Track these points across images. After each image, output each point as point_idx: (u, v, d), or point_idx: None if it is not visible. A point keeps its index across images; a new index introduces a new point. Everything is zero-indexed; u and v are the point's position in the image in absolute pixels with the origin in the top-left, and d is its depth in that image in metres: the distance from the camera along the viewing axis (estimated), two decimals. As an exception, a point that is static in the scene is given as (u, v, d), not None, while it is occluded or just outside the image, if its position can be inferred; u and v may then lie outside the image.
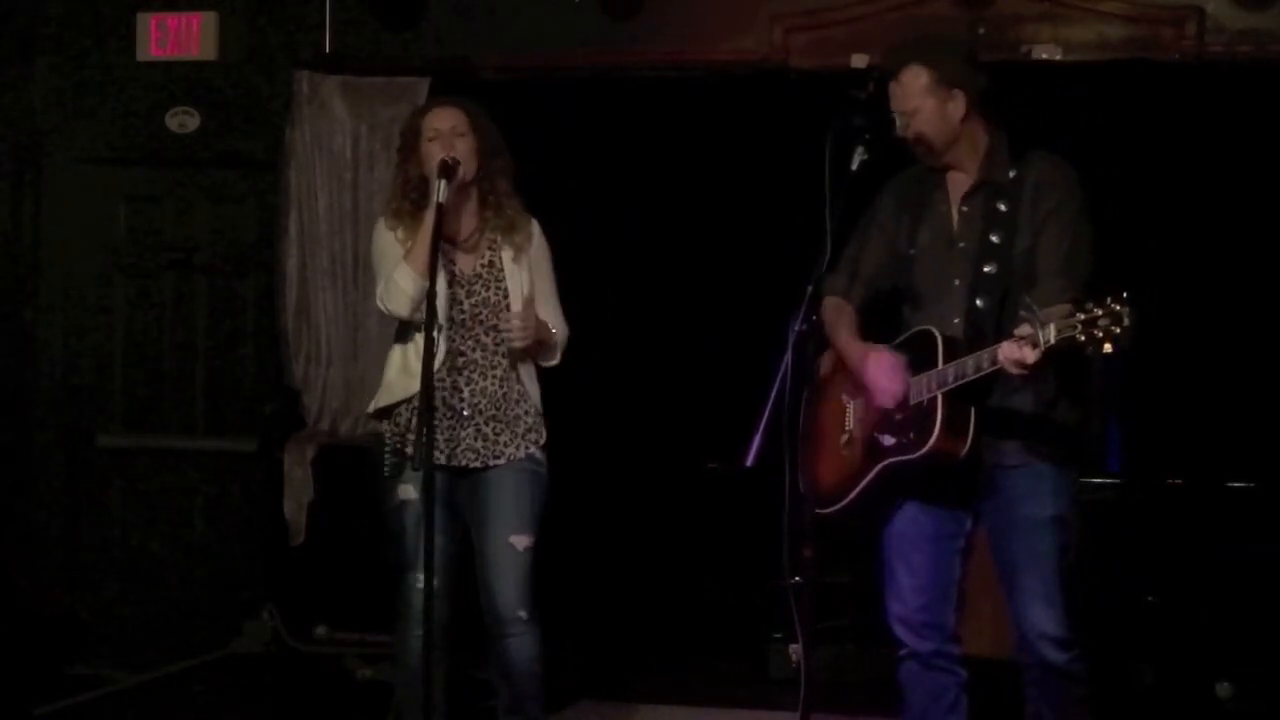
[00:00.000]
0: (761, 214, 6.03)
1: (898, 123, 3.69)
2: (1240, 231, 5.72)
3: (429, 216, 3.97)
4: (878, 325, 3.91)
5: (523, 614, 4.07)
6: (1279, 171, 5.60)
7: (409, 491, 4.05)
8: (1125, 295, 3.20)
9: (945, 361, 3.58)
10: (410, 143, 4.15)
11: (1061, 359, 3.37)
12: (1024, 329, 3.34)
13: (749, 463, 3.53)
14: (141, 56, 6.47)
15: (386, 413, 4.18)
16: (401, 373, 4.13)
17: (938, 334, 3.64)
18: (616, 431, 5.96)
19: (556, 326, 4.19)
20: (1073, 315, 3.26)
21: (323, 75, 6.26)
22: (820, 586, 3.53)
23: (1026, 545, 3.66)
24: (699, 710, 5.43)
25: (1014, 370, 3.39)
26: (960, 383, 3.53)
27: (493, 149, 4.15)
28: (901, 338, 3.80)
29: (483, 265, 4.15)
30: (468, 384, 4.11)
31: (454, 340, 4.10)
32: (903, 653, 3.83)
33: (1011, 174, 3.72)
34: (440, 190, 3.95)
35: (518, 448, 4.13)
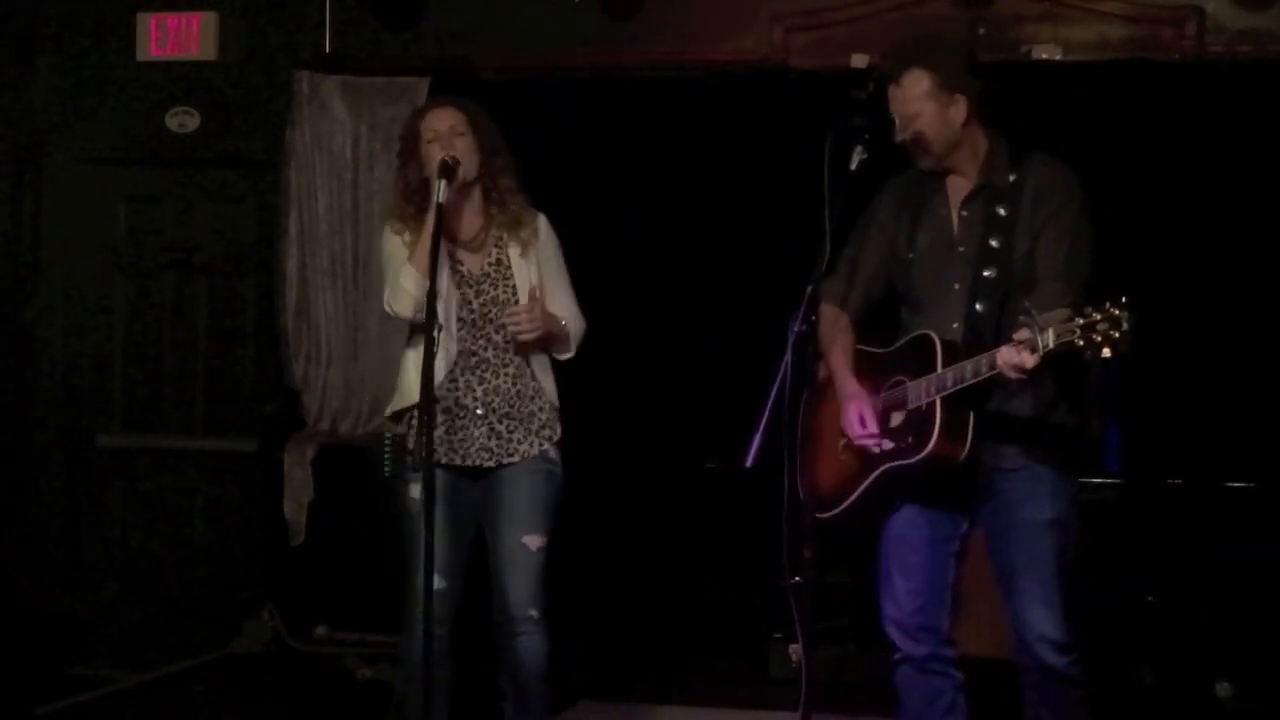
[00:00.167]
0: (761, 214, 6.03)
1: (898, 126, 3.69)
2: (1240, 231, 5.72)
3: (430, 216, 3.97)
4: (876, 328, 3.91)
5: (533, 613, 4.08)
6: (1279, 171, 5.59)
7: (419, 492, 4.05)
8: (1124, 300, 3.19)
9: (944, 366, 3.57)
10: (410, 146, 4.14)
11: (1060, 362, 3.37)
12: (1023, 333, 3.34)
13: (749, 463, 3.53)
14: (141, 56, 6.47)
15: (402, 416, 4.18)
16: (417, 375, 4.12)
17: (936, 338, 3.64)
18: (617, 431, 5.96)
19: (570, 319, 4.17)
20: (1071, 320, 3.25)
21: (323, 75, 6.26)
22: (820, 586, 3.53)
23: (1025, 548, 3.66)
24: (699, 710, 5.43)
25: (1012, 375, 3.38)
26: (959, 387, 3.52)
27: (493, 147, 4.15)
28: (900, 342, 3.80)
29: (490, 264, 4.15)
30: (480, 383, 4.11)
31: (465, 340, 4.11)
32: (897, 657, 3.82)
33: (1011, 178, 3.71)
34: (440, 190, 3.95)
35: (532, 445, 4.13)
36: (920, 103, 3.68)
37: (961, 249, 3.74)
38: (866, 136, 3.58)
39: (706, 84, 6.03)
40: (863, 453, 3.78)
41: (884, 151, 3.65)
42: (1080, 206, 3.69)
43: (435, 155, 4.02)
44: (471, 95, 4.32)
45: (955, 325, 3.68)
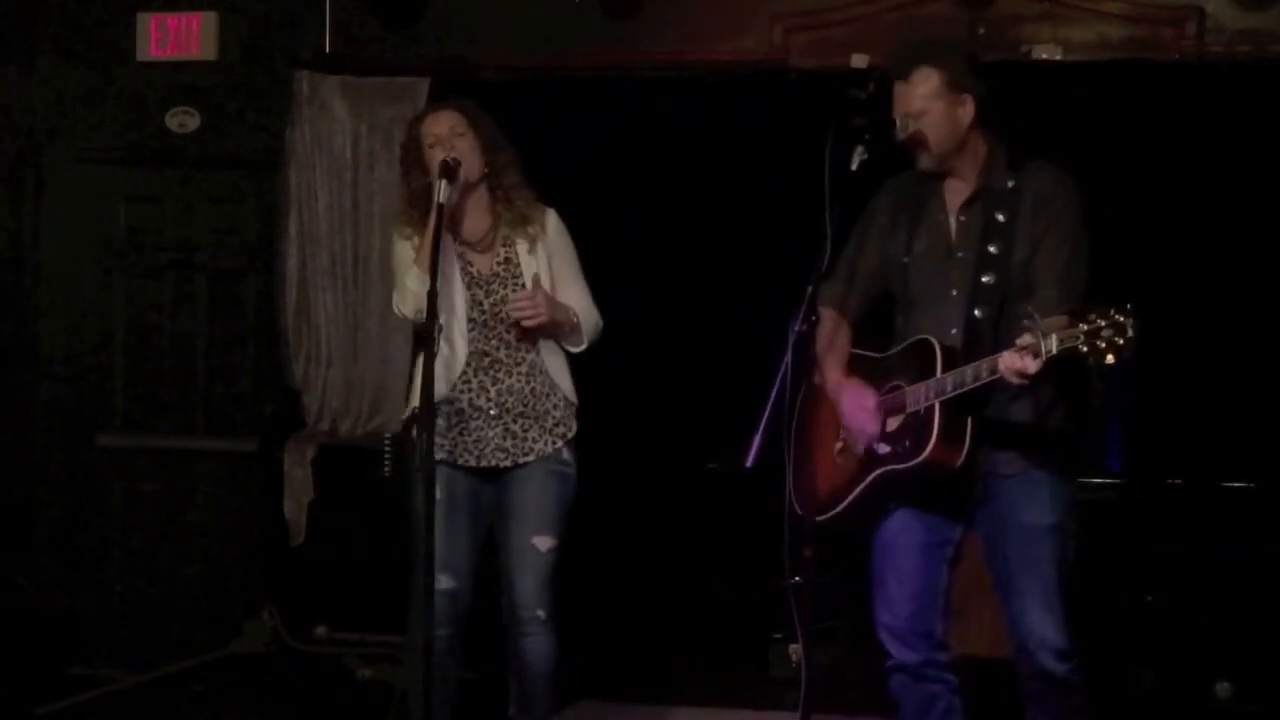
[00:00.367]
0: (761, 214, 6.03)
1: (898, 125, 3.68)
2: (1240, 231, 5.72)
3: (431, 216, 3.98)
4: (874, 332, 3.90)
5: (541, 614, 4.08)
6: (1279, 172, 5.59)
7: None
8: (1129, 306, 3.19)
9: (943, 371, 3.56)
10: (412, 153, 4.15)
11: (1059, 367, 3.36)
12: (1025, 338, 3.33)
13: (749, 463, 3.53)
14: (141, 56, 6.47)
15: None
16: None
17: (936, 343, 3.62)
18: (617, 431, 5.95)
19: (582, 312, 4.16)
20: (1075, 325, 3.24)
21: (323, 75, 6.26)
22: (820, 586, 3.52)
23: (1024, 553, 3.64)
24: (699, 710, 5.43)
25: (1014, 380, 3.36)
26: (958, 392, 3.51)
27: (495, 143, 4.16)
28: (899, 347, 3.79)
29: (499, 264, 4.16)
30: (494, 383, 4.12)
31: (477, 341, 4.12)
32: (890, 664, 3.80)
33: (1010, 183, 3.70)
34: (441, 190, 3.96)
35: (547, 443, 4.13)
36: (929, 100, 3.66)
37: (960, 254, 3.72)
38: (867, 136, 3.57)
39: (706, 84, 6.03)
40: (859, 456, 3.77)
41: (884, 151, 3.64)
42: (1080, 215, 3.67)
43: (437, 159, 4.03)
44: (471, 95, 4.33)
45: (954, 331, 3.67)
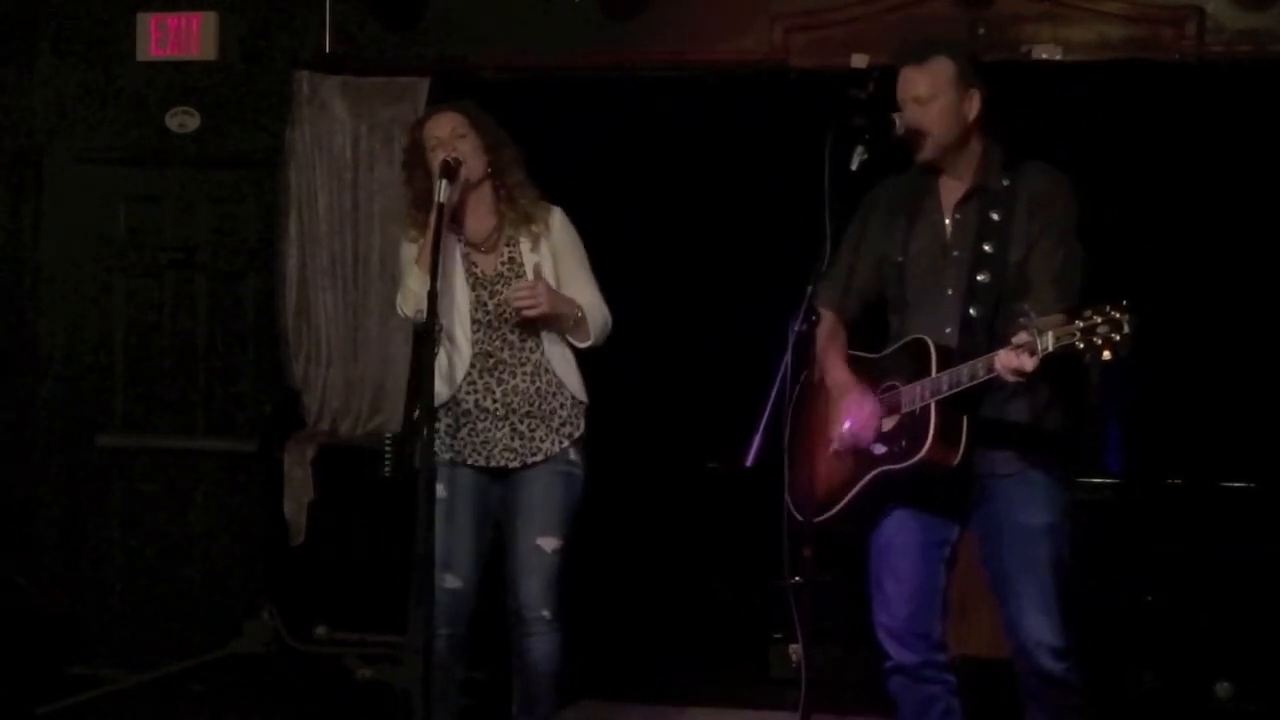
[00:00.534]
0: (761, 214, 6.03)
1: (903, 110, 3.66)
2: (1240, 231, 5.71)
3: (431, 217, 3.99)
4: (869, 332, 3.90)
5: (545, 614, 4.09)
6: (1279, 172, 5.59)
7: (439, 490, 4.05)
8: (1125, 303, 3.19)
9: (939, 370, 3.56)
10: (414, 156, 4.16)
11: (1056, 366, 3.35)
12: (1021, 336, 3.32)
13: (749, 463, 3.53)
14: (141, 56, 6.47)
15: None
16: (436, 379, 4.12)
17: (931, 343, 3.62)
18: (617, 431, 5.95)
19: (591, 308, 4.16)
20: (1071, 322, 3.24)
21: (323, 75, 6.26)
22: (820, 586, 3.52)
23: (1020, 553, 3.63)
24: (699, 710, 5.43)
25: (1011, 378, 3.36)
26: (954, 391, 3.50)
27: (498, 143, 4.17)
28: (894, 346, 3.78)
29: (503, 264, 4.16)
30: (499, 384, 4.12)
31: (481, 342, 4.12)
32: (889, 665, 3.79)
33: (1005, 182, 3.69)
34: (442, 190, 3.97)
35: (554, 442, 4.14)
36: (941, 86, 3.64)
37: (955, 253, 3.71)
38: (867, 136, 3.56)
39: (706, 84, 6.03)
40: (855, 456, 3.77)
41: (884, 151, 3.64)
42: (1076, 216, 3.67)
43: (439, 160, 4.03)
44: (471, 95, 4.33)
45: (949, 330, 3.66)
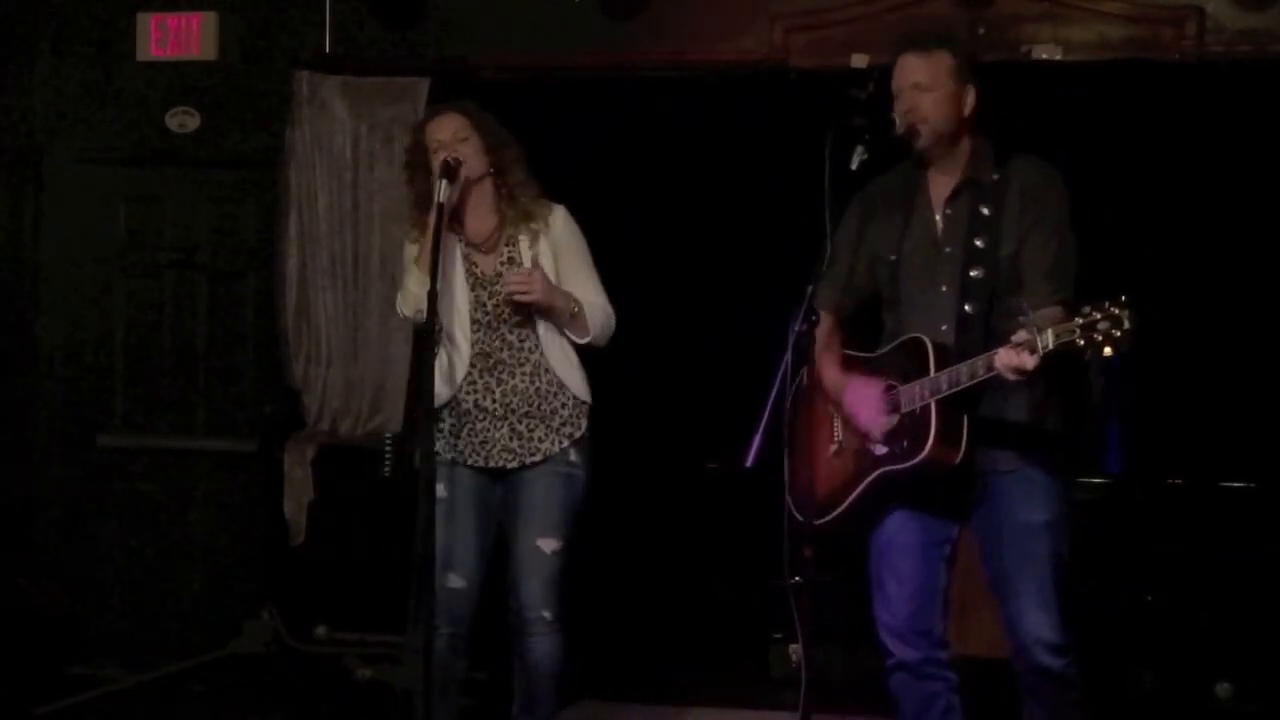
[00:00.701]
0: (761, 214, 6.03)
1: (898, 99, 3.65)
2: (1240, 231, 5.71)
3: (431, 217, 3.99)
4: (865, 332, 3.90)
5: (546, 615, 4.09)
6: (1279, 172, 5.59)
7: (439, 490, 4.05)
8: (1124, 299, 3.18)
9: (937, 369, 3.55)
10: (416, 158, 4.16)
11: (1055, 364, 3.35)
12: (1021, 335, 3.31)
13: (749, 463, 3.53)
14: (141, 56, 6.48)
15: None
16: (437, 379, 4.13)
17: (928, 341, 3.61)
18: (616, 431, 5.95)
19: (592, 307, 4.15)
20: (1070, 319, 3.24)
21: (323, 75, 6.26)
22: (820, 586, 3.52)
23: (1019, 550, 3.63)
24: (699, 710, 5.43)
25: (1011, 377, 3.36)
26: (954, 390, 3.50)
27: (499, 142, 4.17)
28: (890, 345, 3.77)
29: (503, 264, 4.16)
30: (499, 384, 4.12)
31: (480, 342, 4.12)
32: (890, 663, 3.79)
33: (995, 176, 3.69)
34: (442, 190, 3.97)
35: (554, 443, 4.13)
36: (941, 76, 3.65)
37: (947, 249, 3.71)
38: (867, 136, 3.56)
39: (706, 84, 6.03)
40: (856, 457, 3.77)
41: (884, 151, 3.64)
42: (1068, 208, 3.66)
43: (439, 161, 4.04)
44: (471, 95, 4.33)
45: (944, 327, 3.65)
